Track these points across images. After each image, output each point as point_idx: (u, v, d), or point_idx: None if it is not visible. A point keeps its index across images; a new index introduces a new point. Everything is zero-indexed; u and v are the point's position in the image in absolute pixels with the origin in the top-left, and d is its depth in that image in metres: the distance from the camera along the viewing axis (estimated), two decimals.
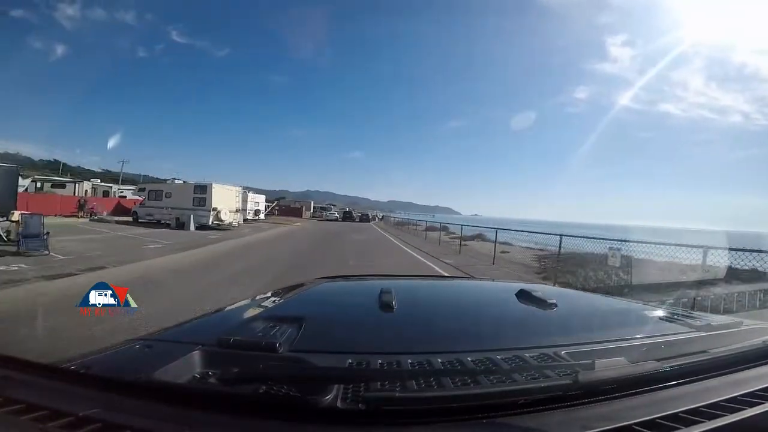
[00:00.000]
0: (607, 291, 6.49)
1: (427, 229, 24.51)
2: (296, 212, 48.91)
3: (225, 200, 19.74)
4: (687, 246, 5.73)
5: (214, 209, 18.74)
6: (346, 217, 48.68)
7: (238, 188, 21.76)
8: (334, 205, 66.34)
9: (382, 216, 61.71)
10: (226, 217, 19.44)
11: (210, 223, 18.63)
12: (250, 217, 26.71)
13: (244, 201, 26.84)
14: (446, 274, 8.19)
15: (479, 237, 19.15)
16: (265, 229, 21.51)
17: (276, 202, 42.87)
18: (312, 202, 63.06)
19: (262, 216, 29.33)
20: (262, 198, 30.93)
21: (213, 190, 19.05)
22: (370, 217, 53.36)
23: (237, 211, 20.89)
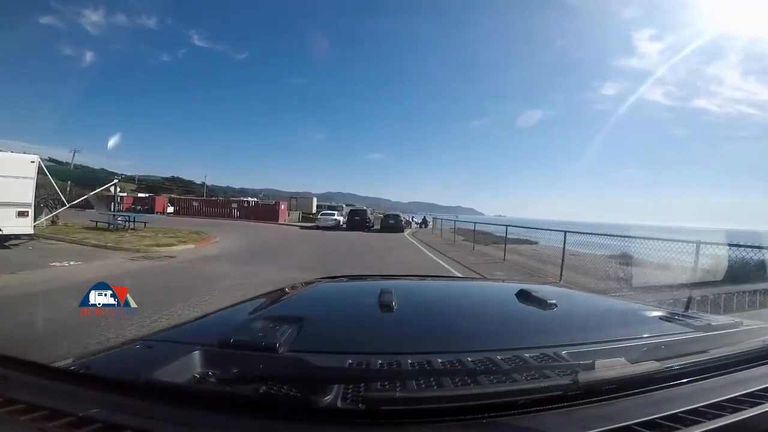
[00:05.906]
0: None
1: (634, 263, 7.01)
2: (269, 214, 29.17)
3: None
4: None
5: None
6: (354, 221, 25.42)
7: None
8: (350, 204, 42.14)
9: (424, 219, 34.55)
10: None
11: None
12: None
13: None
14: (449, 275, 8.16)
15: None
16: None
17: (95, 192, 15.66)
18: (314, 199, 48.22)
19: (24, 227, 9.30)
20: (25, 163, 9.44)
21: None
22: (404, 221, 28.33)
23: None
